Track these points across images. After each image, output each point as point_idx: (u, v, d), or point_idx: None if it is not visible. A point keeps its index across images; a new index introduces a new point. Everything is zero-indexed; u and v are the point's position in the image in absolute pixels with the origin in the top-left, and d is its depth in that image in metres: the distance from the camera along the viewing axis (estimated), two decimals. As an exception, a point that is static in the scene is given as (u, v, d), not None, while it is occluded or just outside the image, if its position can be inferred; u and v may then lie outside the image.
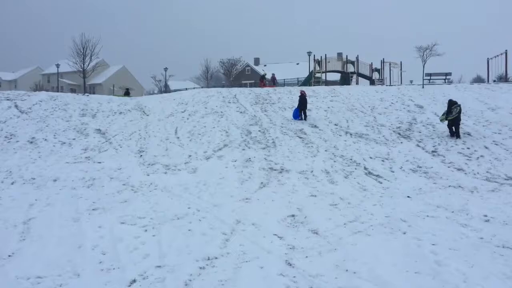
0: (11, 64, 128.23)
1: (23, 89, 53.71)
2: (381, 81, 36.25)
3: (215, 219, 9.38)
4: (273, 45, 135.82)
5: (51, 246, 7.87)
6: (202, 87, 49.50)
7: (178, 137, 17.41)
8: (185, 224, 9.11)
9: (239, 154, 15.32)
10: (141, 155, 15.34)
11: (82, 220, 9.39)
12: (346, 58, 37.45)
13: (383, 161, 14.63)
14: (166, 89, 58.89)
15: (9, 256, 7.40)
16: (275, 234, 8.43)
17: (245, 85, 52.17)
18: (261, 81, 33.37)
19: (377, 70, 37.42)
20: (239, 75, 64.27)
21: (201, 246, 7.81)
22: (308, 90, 25.61)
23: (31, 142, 15.59)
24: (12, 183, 12.13)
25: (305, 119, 19.66)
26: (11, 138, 15.65)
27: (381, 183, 12.61)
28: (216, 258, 7.27)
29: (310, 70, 39.04)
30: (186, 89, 39.55)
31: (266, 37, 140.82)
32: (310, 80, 36.88)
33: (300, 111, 19.77)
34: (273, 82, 35.95)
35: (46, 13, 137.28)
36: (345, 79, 36.80)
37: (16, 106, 18.96)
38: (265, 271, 6.69)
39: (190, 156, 15.30)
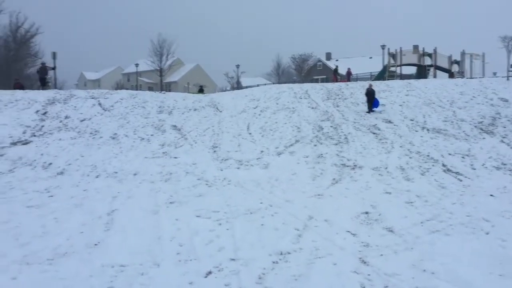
0: (95, 65, 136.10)
1: (106, 87, 56.90)
2: (461, 73, 34.41)
3: (288, 215, 9.43)
4: (345, 39, 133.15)
5: (132, 236, 8.30)
6: (273, 83, 49.71)
7: (250, 133, 17.64)
8: (258, 218, 9.23)
9: (311, 150, 15.26)
10: (214, 151, 15.72)
11: (161, 212, 9.81)
12: (423, 50, 35.92)
13: (463, 157, 13.92)
14: (238, 86, 59.81)
15: (95, 245, 7.90)
16: (348, 231, 8.33)
17: (316, 81, 51.77)
18: (335, 75, 33.05)
19: (457, 62, 35.52)
20: (311, 71, 63.84)
21: (274, 241, 7.89)
22: (382, 84, 24.93)
23: (113, 138, 16.46)
24: (96, 177, 12.90)
25: (369, 111, 19.65)
26: (95, 134, 16.62)
27: (461, 180, 12.01)
28: (289, 253, 7.31)
29: (384, 64, 37.91)
30: (258, 85, 39.88)
31: (338, 31, 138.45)
32: (384, 74, 35.80)
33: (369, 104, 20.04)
34: (348, 77, 35.31)
35: (127, 15, 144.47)
36: (422, 73, 35.31)
37: (99, 104, 20.11)
38: (338, 267, 6.63)
39: (262, 151, 15.46)
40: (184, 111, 20.65)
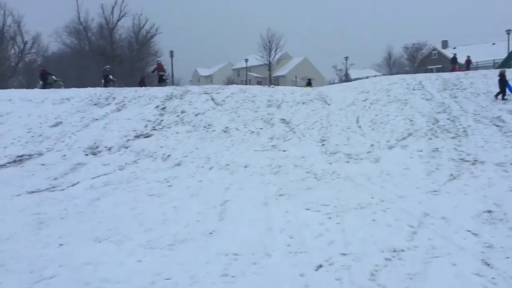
0: (208, 61, 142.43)
1: (217, 83, 59.49)
2: None
3: (400, 211, 9.07)
4: (464, 25, 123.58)
5: (244, 227, 8.57)
6: (383, 75, 48.00)
7: (359, 126, 17.23)
8: (369, 214, 9.01)
9: (425, 143, 14.47)
10: (323, 144, 15.62)
11: (270, 204, 10.00)
12: (557, 33, 32.28)
13: None
14: (346, 78, 58.70)
15: (210, 233, 8.30)
16: (469, 230, 7.78)
17: (431, 71, 48.94)
18: (454, 64, 31.12)
19: None
20: (425, 60, 60.60)
21: (386, 237, 7.64)
22: (506, 72, 22.82)
23: (225, 132, 17.13)
24: (210, 168, 13.53)
25: (497, 98, 18.21)
26: (209, 128, 17.44)
27: None
28: (402, 250, 7.04)
29: (510, 51, 34.70)
30: (367, 77, 38.76)
31: (455, 16, 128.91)
32: (509, 61, 32.74)
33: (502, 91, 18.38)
34: (467, 65, 32.93)
35: (237, 11, 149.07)
36: (555, 58, 31.71)
37: (212, 99, 21.01)
38: (458, 268, 6.24)
39: (372, 145, 15.02)
40: (292, 104, 20.77)
